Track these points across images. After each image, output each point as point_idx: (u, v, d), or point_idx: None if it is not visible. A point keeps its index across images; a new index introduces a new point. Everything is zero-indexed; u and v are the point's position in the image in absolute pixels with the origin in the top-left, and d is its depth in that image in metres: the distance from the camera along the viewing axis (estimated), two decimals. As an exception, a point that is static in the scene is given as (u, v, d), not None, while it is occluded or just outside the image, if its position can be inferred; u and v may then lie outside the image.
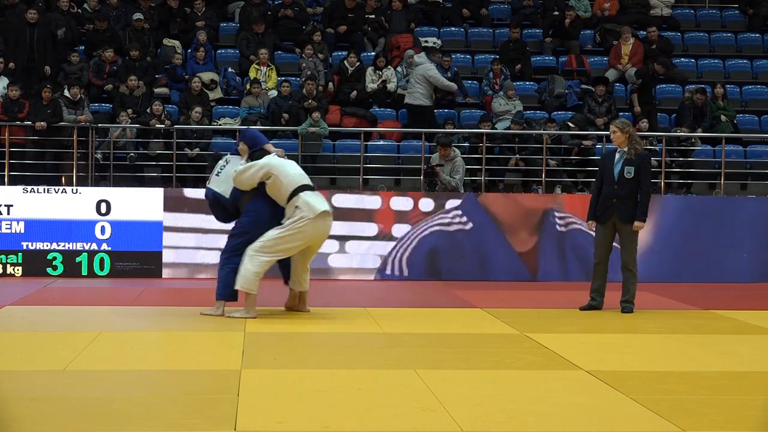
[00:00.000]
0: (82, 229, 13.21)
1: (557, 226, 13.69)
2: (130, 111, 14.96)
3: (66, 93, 14.98)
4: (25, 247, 13.17)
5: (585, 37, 18.60)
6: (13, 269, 13.14)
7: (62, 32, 16.46)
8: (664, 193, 14.84)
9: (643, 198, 10.44)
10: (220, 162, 10.04)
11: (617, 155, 10.55)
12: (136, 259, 13.28)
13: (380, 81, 16.45)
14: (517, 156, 15.18)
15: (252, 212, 9.70)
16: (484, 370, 7.46)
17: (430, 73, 15.70)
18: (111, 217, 13.25)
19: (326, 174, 15.39)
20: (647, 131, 15.46)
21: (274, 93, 15.92)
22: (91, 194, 13.36)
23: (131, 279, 13.11)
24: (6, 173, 14.11)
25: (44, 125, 14.32)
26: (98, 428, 5.72)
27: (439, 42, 17.64)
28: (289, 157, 10.39)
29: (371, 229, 13.48)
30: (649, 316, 10.41)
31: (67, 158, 14.58)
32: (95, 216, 13.24)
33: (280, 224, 9.57)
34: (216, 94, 16.28)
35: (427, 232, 13.57)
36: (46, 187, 13.35)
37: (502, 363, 7.75)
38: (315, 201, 9.58)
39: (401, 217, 13.56)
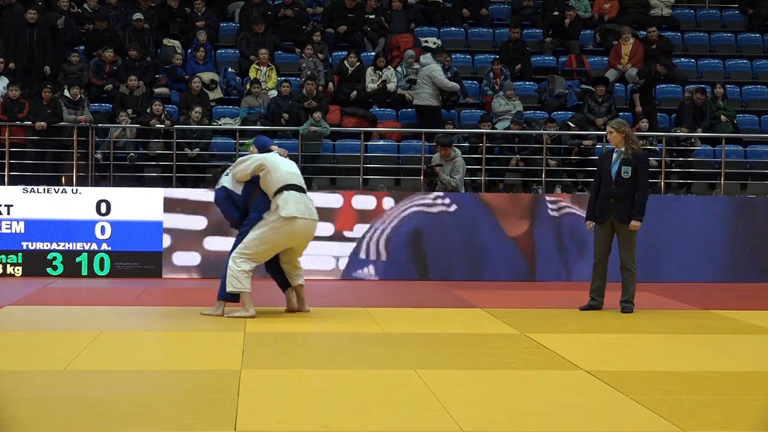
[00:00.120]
0: (82, 229, 13.21)
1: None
2: (130, 111, 14.97)
3: (66, 93, 14.98)
4: (25, 247, 13.17)
5: (585, 37, 18.60)
6: (13, 269, 13.14)
7: (62, 21, 16.50)
8: (664, 193, 14.84)
9: (640, 198, 10.44)
10: (230, 166, 10.21)
11: (615, 155, 10.56)
12: (136, 259, 13.28)
13: (380, 81, 16.45)
14: (517, 156, 15.19)
15: (260, 207, 9.79)
16: (484, 370, 7.46)
17: (434, 74, 15.70)
18: (111, 217, 13.25)
19: (326, 174, 15.40)
20: (647, 131, 15.47)
21: (274, 93, 15.92)
22: (91, 194, 13.36)
23: (131, 279, 13.11)
24: (6, 173, 14.11)
25: (44, 125, 14.32)
26: (98, 428, 5.72)
27: (439, 42, 17.65)
28: (290, 157, 10.40)
29: (330, 229, 13.39)
30: (649, 316, 10.41)
31: (67, 158, 14.58)
32: (95, 216, 13.24)
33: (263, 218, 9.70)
34: (216, 94, 16.29)
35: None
36: (46, 187, 13.35)
37: (502, 363, 7.75)
38: (291, 202, 9.61)
39: (363, 216, 13.51)
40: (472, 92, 17.00)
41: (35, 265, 13.14)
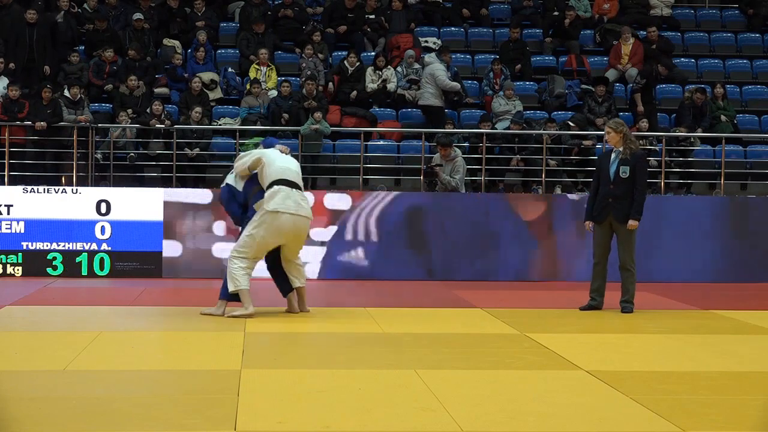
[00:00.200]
0: (82, 229, 13.22)
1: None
2: (130, 111, 14.96)
3: (66, 93, 14.98)
4: (25, 247, 13.17)
5: (585, 37, 18.60)
6: (13, 269, 13.14)
7: (61, 16, 16.51)
8: (664, 193, 14.84)
9: (638, 197, 10.43)
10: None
11: (613, 155, 10.56)
12: (136, 259, 13.28)
13: (380, 81, 16.45)
14: (518, 156, 15.18)
15: (252, 209, 9.80)
16: (484, 370, 7.46)
17: (436, 73, 15.71)
18: (111, 217, 13.25)
19: (326, 174, 15.40)
20: (647, 131, 15.46)
21: (274, 93, 15.92)
22: (91, 194, 13.36)
23: (131, 279, 13.11)
24: (6, 173, 14.11)
25: (44, 125, 14.32)
26: (98, 428, 5.72)
27: (439, 42, 17.65)
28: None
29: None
30: (649, 316, 10.41)
31: (67, 158, 14.58)
32: (95, 216, 13.24)
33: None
34: (216, 94, 16.29)
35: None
36: (46, 187, 13.35)
37: (502, 363, 7.75)
38: (278, 197, 9.62)
39: (336, 216, 13.52)
40: (472, 92, 17.00)
41: (35, 265, 13.14)
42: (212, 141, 15.36)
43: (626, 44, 17.39)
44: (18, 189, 13.33)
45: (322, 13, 18.15)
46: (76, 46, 16.63)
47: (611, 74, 17.22)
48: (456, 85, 16.02)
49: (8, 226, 13.16)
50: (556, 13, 18.55)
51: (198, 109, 14.93)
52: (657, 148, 15.17)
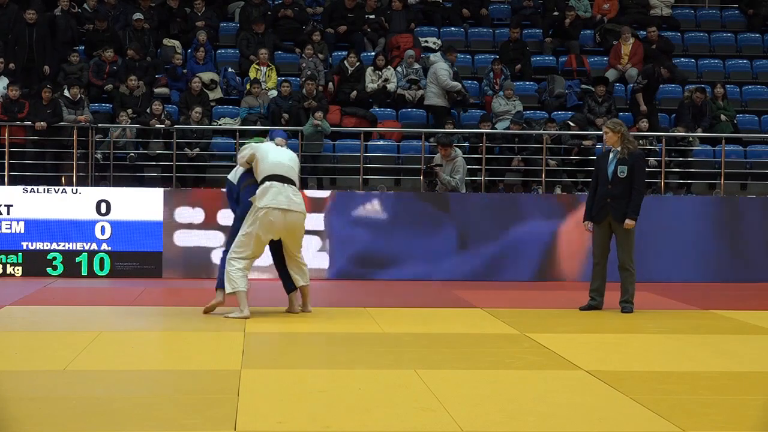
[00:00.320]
0: (82, 229, 13.21)
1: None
2: (130, 111, 14.96)
3: (66, 93, 14.97)
4: (25, 247, 13.17)
5: (585, 37, 18.60)
6: (13, 269, 13.14)
7: (59, 11, 16.50)
8: (664, 193, 14.84)
9: (635, 197, 10.42)
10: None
11: (611, 155, 10.56)
12: (136, 259, 13.28)
13: (380, 81, 16.45)
14: (518, 156, 15.18)
15: (243, 203, 9.81)
16: (484, 370, 7.46)
17: (438, 72, 15.71)
18: (111, 217, 13.25)
19: (326, 174, 15.40)
20: (647, 131, 15.46)
21: (274, 93, 15.92)
22: (91, 194, 13.36)
23: (131, 279, 13.11)
24: (6, 173, 14.11)
25: (44, 125, 14.32)
26: (98, 428, 5.72)
27: (439, 42, 17.65)
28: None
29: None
30: (649, 316, 10.41)
31: (67, 158, 14.58)
32: (95, 216, 13.24)
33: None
34: (216, 94, 16.28)
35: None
36: (46, 187, 13.35)
37: (502, 363, 7.75)
38: (269, 193, 9.61)
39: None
40: (472, 92, 16.99)
41: (35, 265, 13.14)
42: (212, 141, 15.36)
43: (626, 44, 17.39)
44: (18, 189, 13.33)
45: (322, 13, 18.15)
46: (76, 46, 16.63)
47: (611, 74, 17.22)
48: (457, 84, 16.01)
49: (8, 226, 13.16)
50: (556, 13, 18.55)
51: (198, 109, 14.93)
52: (657, 148, 15.16)
